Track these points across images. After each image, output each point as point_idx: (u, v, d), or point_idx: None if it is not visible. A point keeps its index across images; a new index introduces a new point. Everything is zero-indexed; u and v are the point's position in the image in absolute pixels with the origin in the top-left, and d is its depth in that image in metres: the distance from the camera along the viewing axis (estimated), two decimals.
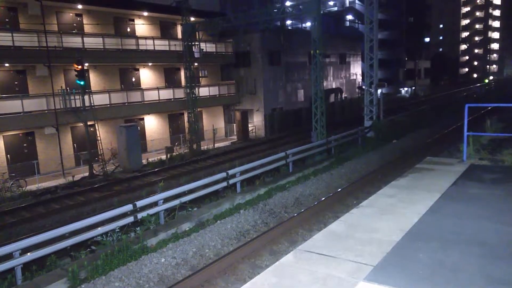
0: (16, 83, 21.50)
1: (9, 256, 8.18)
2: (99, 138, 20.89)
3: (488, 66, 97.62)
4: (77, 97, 20.74)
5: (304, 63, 33.24)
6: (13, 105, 19.38)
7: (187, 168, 20.34)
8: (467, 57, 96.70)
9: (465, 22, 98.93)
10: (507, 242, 5.49)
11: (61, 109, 20.82)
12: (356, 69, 41.39)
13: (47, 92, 21.27)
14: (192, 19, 26.77)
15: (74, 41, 22.21)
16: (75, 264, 8.30)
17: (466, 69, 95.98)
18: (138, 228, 10.43)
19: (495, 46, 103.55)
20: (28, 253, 8.40)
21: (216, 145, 26.84)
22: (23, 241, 8.52)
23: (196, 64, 27.18)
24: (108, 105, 23.06)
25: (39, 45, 20.59)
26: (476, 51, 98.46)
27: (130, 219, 10.21)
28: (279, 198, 11.97)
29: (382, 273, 4.89)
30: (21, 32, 20.50)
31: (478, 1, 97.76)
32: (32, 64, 21.22)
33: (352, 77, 40.81)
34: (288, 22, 42.58)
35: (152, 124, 27.08)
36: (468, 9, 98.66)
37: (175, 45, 27.18)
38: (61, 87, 21.92)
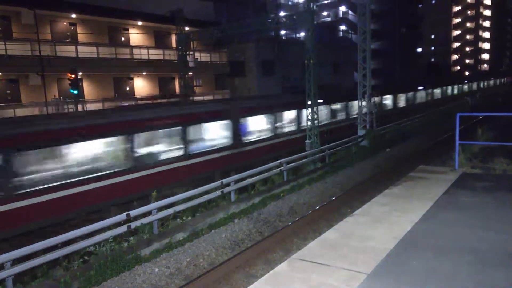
0: (8, 92, 21.42)
1: (0, 267, 8.08)
2: None
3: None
4: (70, 106, 20.70)
5: (298, 73, 33.43)
6: (5, 115, 19.29)
7: None
8: (458, 67, 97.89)
9: (456, 32, 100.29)
10: (499, 249, 5.54)
11: None
12: (349, 79, 41.70)
13: (40, 101, 21.21)
14: (187, 28, 26.94)
15: (67, 50, 22.26)
16: (67, 274, 8.22)
17: None
18: (131, 238, 10.36)
19: (485, 56, 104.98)
20: (20, 264, 8.30)
21: None
22: (14, 251, 8.41)
23: (190, 73, 27.27)
24: None
25: (32, 54, 20.58)
26: (467, 61, 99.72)
27: (124, 228, 10.14)
28: (273, 207, 11.96)
29: (376, 281, 4.90)
30: (14, 41, 20.49)
31: (468, 13, 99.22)
32: (25, 73, 21.18)
33: None
34: (282, 32, 42.92)
35: None
36: (459, 20, 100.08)
37: (169, 54, 27.29)
38: (54, 96, 21.87)
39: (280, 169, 15.47)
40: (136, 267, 8.39)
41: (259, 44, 30.51)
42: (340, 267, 5.39)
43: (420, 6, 73.35)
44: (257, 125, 19.02)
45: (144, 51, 26.26)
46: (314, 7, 18.86)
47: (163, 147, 14.86)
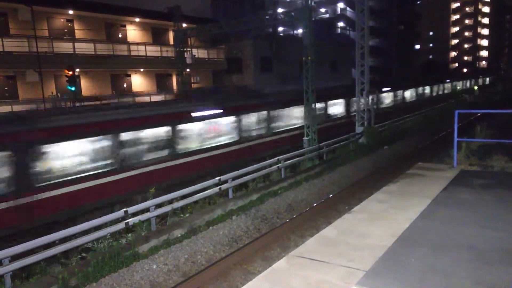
0: (6, 88, 21.33)
1: None
2: None
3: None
4: (68, 103, 20.63)
5: (296, 70, 33.39)
6: (2, 111, 19.22)
7: None
8: (456, 64, 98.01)
9: (454, 29, 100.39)
10: (497, 247, 5.55)
11: None
12: (347, 76, 41.67)
13: (38, 97, 21.13)
14: (184, 25, 26.85)
15: (65, 47, 22.15)
16: (65, 271, 8.21)
17: None
18: (129, 235, 10.35)
19: (484, 53, 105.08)
20: (18, 260, 8.28)
21: None
22: (12, 248, 8.40)
23: (188, 70, 27.19)
24: None
25: (30, 50, 20.48)
26: (465, 58, 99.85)
27: (122, 225, 10.13)
28: (271, 204, 11.97)
29: (374, 278, 4.91)
30: (11, 38, 20.39)
31: (467, 9, 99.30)
32: (23, 69, 21.08)
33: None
34: (280, 29, 42.86)
35: None
36: (457, 17, 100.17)
37: (167, 51, 27.21)
38: (52, 92, 21.78)
39: (278, 166, 15.47)
40: (134, 264, 8.39)
41: (256, 41, 30.44)
42: (338, 264, 5.39)
43: (418, 3, 73.31)
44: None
45: (142, 47, 26.17)
46: (312, 3, 18.80)
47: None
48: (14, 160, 10.32)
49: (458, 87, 52.93)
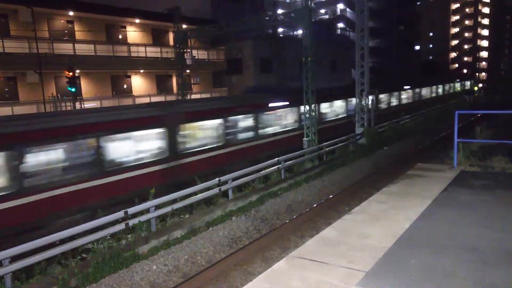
0: (6, 89, 21.34)
1: None
2: None
3: (477, 74, 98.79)
4: (68, 104, 20.64)
5: (295, 71, 33.37)
6: (2, 113, 19.23)
7: None
8: (456, 65, 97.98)
9: (454, 30, 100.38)
10: (498, 247, 5.55)
11: None
12: (347, 77, 41.66)
13: (38, 99, 21.14)
14: (184, 26, 26.87)
15: (65, 48, 22.17)
16: (65, 272, 8.21)
17: None
18: (129, 236, 10.34)
19: (484, 54, 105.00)
20: (18, 261, 8.28)
21: None
22: (12, 249, 8.40)
23: (188, 71, 27.20)
24: None
25: (30, 51, 20.50)
26: (465, 59, 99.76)
27: (122, 226, 10.13)
28: (271, 205, 11.96)
29: (374, 278, 4.90)
30: (12, 39, 20.41)
31: (467, 10, 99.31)
32: (23, 70, 21.09)
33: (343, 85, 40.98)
34: (280, 29, 42.85)
35: None
36: (457, 17, 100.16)
37: (167, 52, 27.23)
38: (52, 94, 21.78)
39: (278, 167, 15.46)
40: (134, 265, 8.39)
41: (256, 42, 30.44)
42: (338, 265, 5.39)
43: (418, 3, 73.32)
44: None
45: (142, 48, 26.19)
46: (312, 4, 18.81)
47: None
48: None
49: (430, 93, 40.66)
